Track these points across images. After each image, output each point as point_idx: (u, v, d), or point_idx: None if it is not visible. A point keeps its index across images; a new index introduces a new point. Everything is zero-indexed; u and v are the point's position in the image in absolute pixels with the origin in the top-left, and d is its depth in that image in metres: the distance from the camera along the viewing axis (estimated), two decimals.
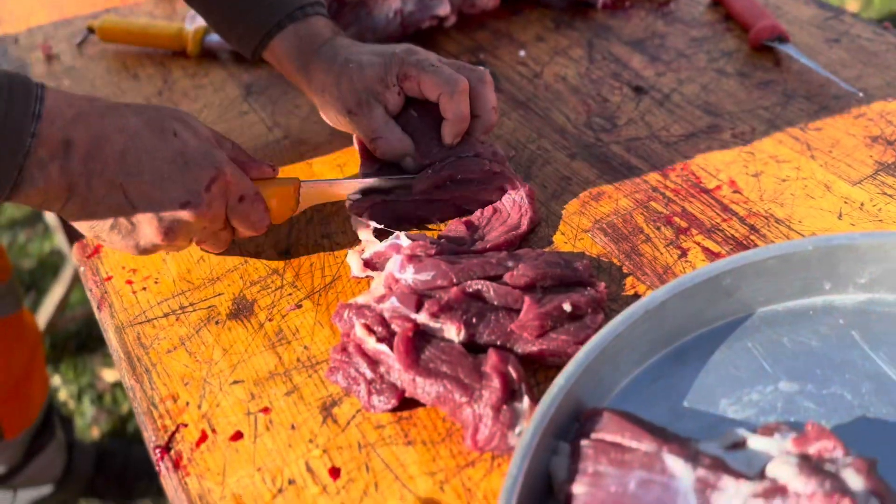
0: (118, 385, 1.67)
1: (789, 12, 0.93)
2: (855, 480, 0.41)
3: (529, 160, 0.75)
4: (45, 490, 1.37)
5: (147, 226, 0.58)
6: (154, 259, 0.68)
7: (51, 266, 1.95)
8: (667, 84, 0.83)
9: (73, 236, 0.73)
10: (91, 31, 0.99)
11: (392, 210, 0.68)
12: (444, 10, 0.90)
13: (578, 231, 0.66)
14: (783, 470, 0.42)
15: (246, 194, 0.61)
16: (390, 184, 0.68)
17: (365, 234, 0.66)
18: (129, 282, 0.66)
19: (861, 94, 0.78)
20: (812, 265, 0.55)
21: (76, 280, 1.74)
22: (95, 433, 1.60)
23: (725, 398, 0.52)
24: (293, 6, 0.71)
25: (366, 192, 0.68)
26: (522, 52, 0.91)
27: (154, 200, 0.57)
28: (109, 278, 0.67)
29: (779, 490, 0.41)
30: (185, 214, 0.57)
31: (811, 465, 0.42)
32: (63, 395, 1.67)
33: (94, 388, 1.67)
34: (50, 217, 1.74)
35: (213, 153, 0.59)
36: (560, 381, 0.48)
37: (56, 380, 1.70)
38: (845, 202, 0.67)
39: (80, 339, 1.77)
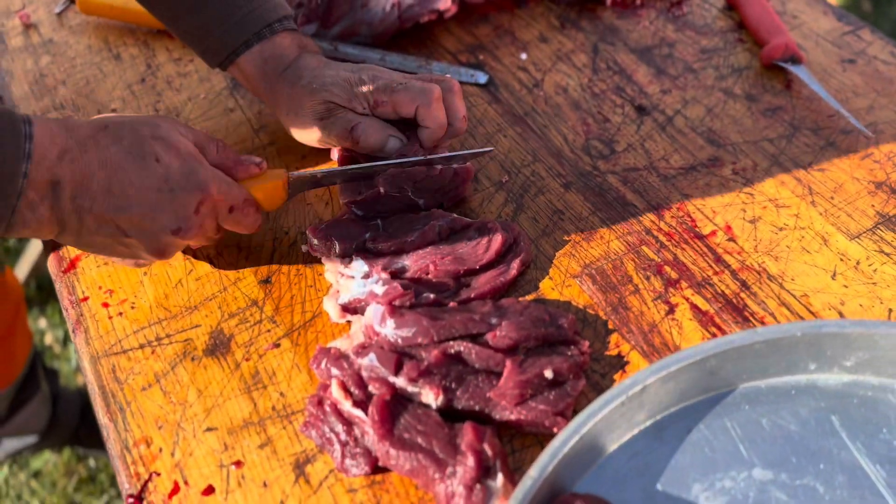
0: None
1: (806, 23, 0.89)
2: None
3: (523, 188, 0.72)
4: (30, 440, 1.39)
5: (141, 249, 0.59)
6: (131, 280, 0.66)
7: None
8: (671, 104, 0.80)
9: (47, 243, 0.71)
10: (72, 0, 0.94)
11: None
12: (444, 3, 0.85)
13: (567, 276, 0.65)
14: None
15: (235, 204, 0.61)
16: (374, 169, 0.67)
17: (332, 275, 0.64)
18: (106, 304, 0.65)
19: (871, 135, 0.75)
20: (799, 348, 0.54)
21: None
22: (81, 380, 1.61)
23: (699, 483, 0.52)
24: (261, 24, 0.68)
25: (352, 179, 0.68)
26: (524, 55, 0.86)
27: (146, 229, 0.58)
28: (86, 299, 0.66)
29: None
30: (177, 238, 0.59)
31: None
32: (49, 338, 1.68)
33: None
34: None
35: (198, 173, 0.58)
36: (533, 472, 0.48)
37: (42, 323, 1.70)
38: (841, 259, 0.65)
39: None
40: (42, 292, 1.74)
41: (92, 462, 1.49)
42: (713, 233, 0.68)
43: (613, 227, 0.69)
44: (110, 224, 0.56)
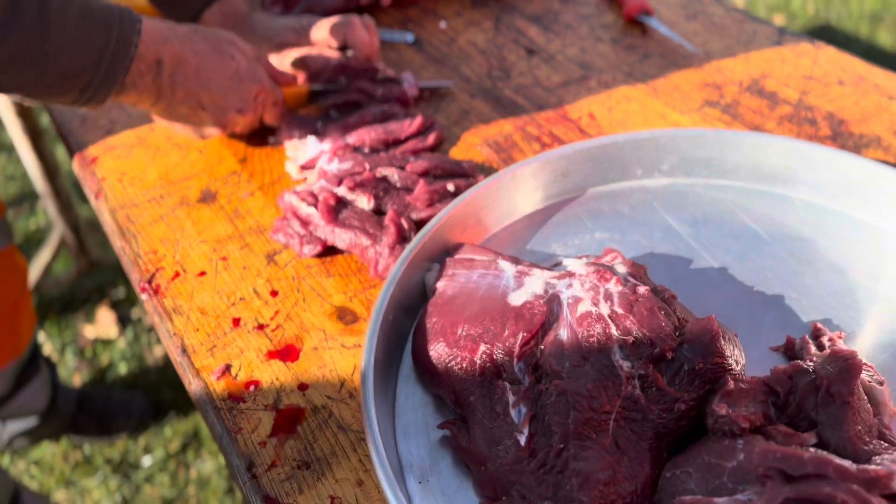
0: (98, 341, 1.84)
1: None
2: (621, 268, 0.62)
3: (439, 98, 0.95)
4: (31, 422, 1.53)
5: (210, 121, 0.81)
6: (139, 165, 0.87)
7: (35, 241, 2.12)
8: (554, 48, 1.04)
9: (72, 150, 0.91)
10: None
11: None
12: None
13: (470, 146, 0.87)
14: (575, 265, 0.62)
15: (277, 100, 0.85)
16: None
17: (292, 151, 0.85)
18: (120, 180, 0.85)
19: (703, 53, 1.00)
20: (625, 154, 0.76)
21: (60, 249, 1.91)
22: (77, 381, 1.76)
23: (556, 243, 0.72)
24: None
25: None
26: (443, 24, 1.11)
27: (218, 105, 0.79)
28: (104, 179, 0.86)
29: (568, 274, 0.61)
30: (237, 116, 0.81)
31: (594, 262, 0.63)
32: (47, 349, 1.83)
33: (75, 343, 1.84)
34: (41, 190, 1.90)
35: (258, 71, 0.82)
36: (430, 224, 0.68)
37: (41, 336, 1.86)
38: (674, 126, 0.88)
39: (63, 302, 1.94)
40: (40, 309, 1.91)
41: (87, 449, 1.62)
42: (579, 118, 0.90)
43: (507, 119, 0.91)
44: (194, 98, 0.77)
